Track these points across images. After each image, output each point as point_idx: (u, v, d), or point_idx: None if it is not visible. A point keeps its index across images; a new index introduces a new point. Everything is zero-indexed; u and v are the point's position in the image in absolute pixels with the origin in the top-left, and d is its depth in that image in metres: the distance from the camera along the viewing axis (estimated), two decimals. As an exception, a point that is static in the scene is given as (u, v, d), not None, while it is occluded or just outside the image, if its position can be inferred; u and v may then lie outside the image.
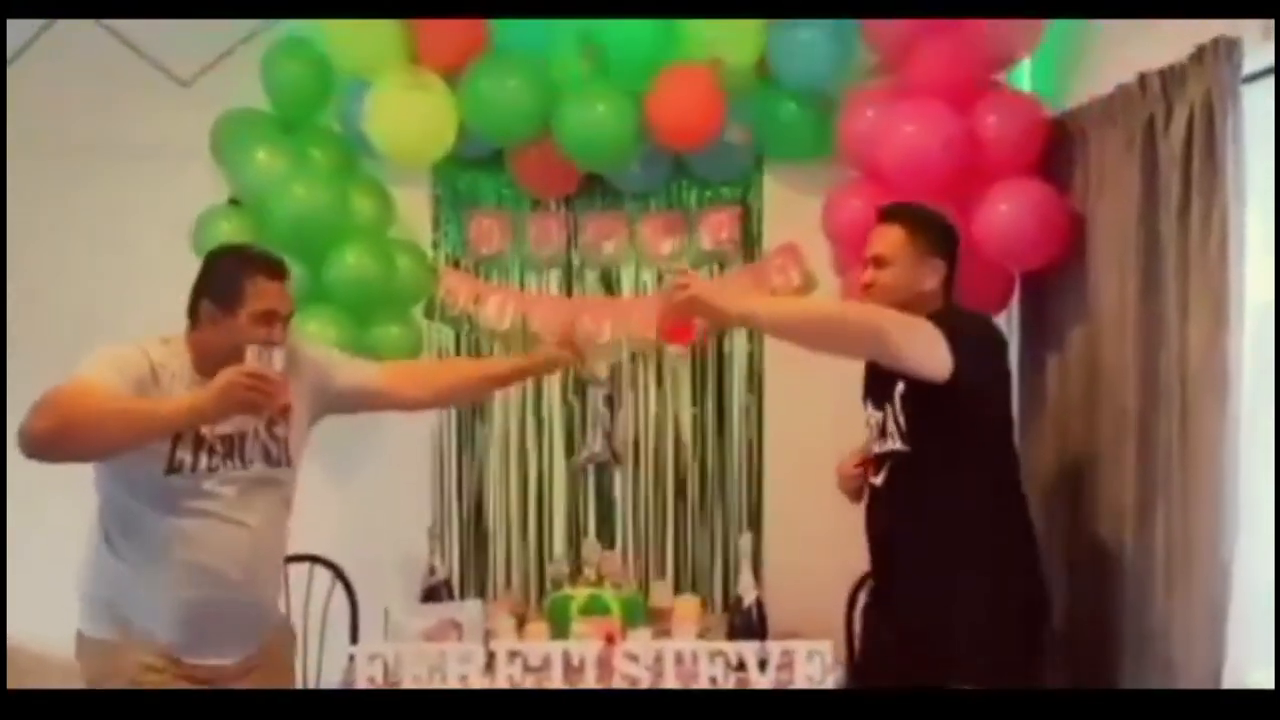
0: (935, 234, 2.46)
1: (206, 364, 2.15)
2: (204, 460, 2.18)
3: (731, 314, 2.36)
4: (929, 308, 2.37)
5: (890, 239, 2.43)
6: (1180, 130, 2.29)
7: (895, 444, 2.40)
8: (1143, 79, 2.43)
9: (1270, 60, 2.14)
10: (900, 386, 2.36)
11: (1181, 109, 2.30)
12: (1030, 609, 2.40)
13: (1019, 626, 2.36)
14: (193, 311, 2.21)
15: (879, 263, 2.43)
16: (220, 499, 2.20)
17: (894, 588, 2.48)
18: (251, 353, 2.06)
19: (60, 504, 2.42)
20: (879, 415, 2.45)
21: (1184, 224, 2.29)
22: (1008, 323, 3.09)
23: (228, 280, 2.18)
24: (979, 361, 2.32)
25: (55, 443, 2.00)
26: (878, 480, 2.46)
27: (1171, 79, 2.33)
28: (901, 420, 2.37)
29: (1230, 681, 2.17)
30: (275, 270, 2.23)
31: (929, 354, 2.26)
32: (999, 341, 2.47)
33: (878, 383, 2.46)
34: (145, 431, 2.07)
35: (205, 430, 2.16)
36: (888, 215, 2.48)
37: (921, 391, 2.31)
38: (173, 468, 2.15)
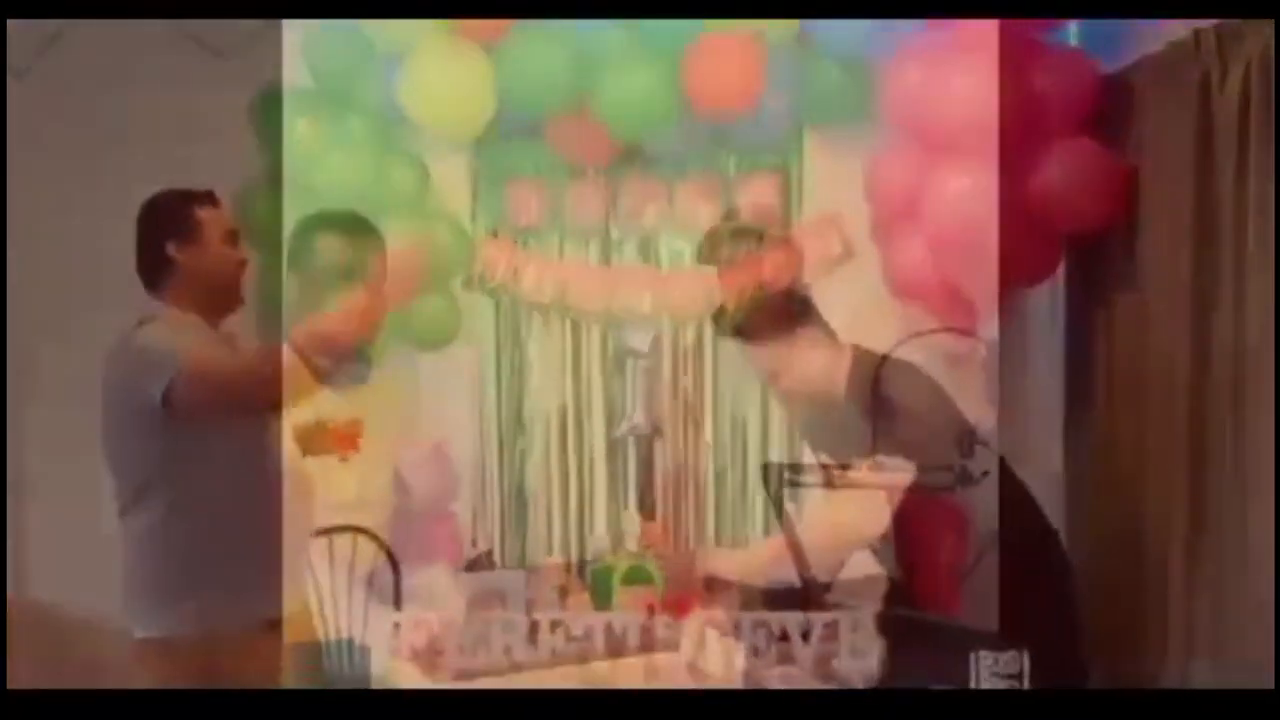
0: None
1: (201, 303, 2.14)
2: None
3: None
4: None
5: None
6: (1236, 87, 2.22)
7: None
8: (1197, 35, 2.35)
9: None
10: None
11: (1237, 65, 2.23)
12: None
13: None
14: (157, 264, 2.14)
15: None
16: None
17: None
18: None
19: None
20: None
21: (1241, 185, 2.23)
22: (1053, 291, 3.03)
23: (176, 215, 2.14)
24: None
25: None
26: None
27: (1227, 34, 2.26)
28: None
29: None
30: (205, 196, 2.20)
31: None
32: None
33: None
34: None
35: None
36: None
37: None
38: None
